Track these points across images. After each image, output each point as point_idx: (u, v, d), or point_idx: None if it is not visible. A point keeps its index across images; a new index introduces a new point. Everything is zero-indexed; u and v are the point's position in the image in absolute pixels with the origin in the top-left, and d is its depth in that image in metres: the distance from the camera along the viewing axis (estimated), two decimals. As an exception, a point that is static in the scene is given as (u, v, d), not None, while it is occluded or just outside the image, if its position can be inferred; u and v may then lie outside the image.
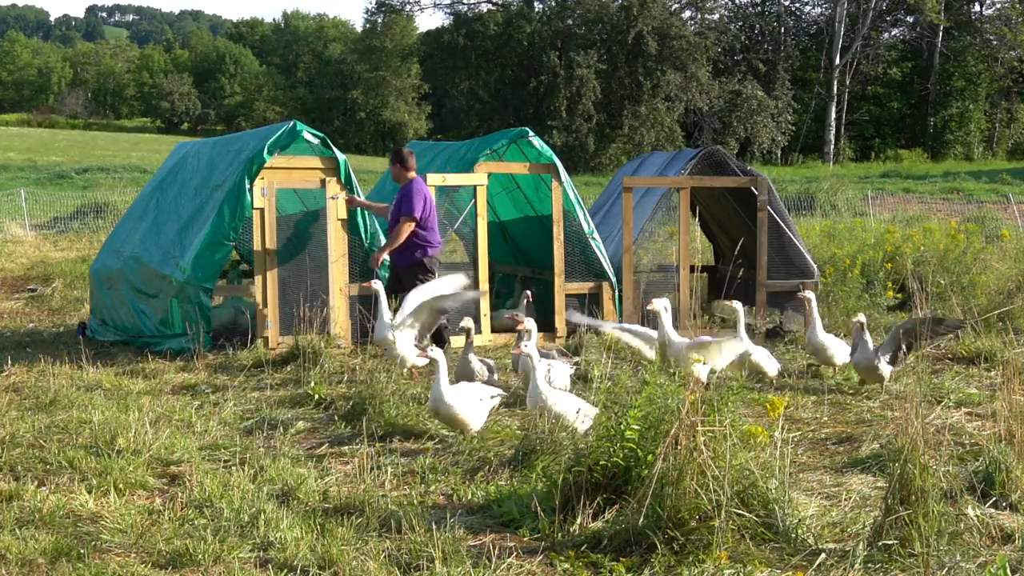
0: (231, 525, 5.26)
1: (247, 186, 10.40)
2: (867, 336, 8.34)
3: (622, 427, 5.33)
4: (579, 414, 6.51)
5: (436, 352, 6.94)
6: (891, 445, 6.38)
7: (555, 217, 11.26)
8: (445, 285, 9.38)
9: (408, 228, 9.93)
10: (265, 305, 10.51)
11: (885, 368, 8.27)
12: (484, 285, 11.00)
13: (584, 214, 11.54)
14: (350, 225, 10.81)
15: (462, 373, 7.98)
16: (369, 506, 5.47)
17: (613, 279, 11.45)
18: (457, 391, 6.95)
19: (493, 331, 11.16)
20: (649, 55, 53.26)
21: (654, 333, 8.59)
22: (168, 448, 6.62)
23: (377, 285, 9.20)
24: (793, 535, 4.99)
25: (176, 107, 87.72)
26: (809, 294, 9.35)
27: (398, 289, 9.85)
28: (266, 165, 10.47)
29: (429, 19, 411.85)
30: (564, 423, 6.36)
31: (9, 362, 9.56)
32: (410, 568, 4.75)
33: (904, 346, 8.26)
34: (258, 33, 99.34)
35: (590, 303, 11.38)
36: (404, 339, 8.91)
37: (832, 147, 57.89)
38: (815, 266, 11.60)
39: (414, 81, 67.99)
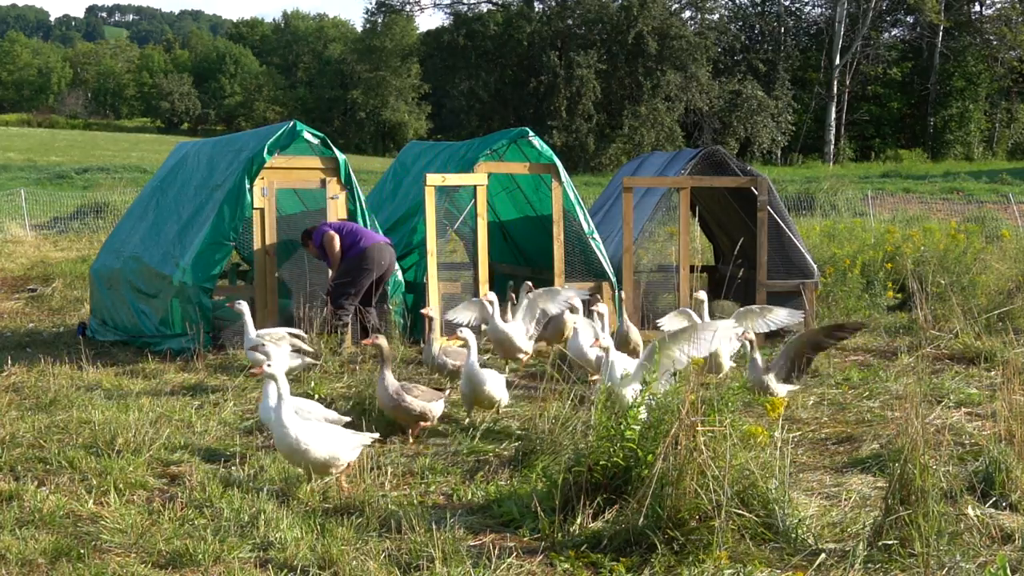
0: (231, 525, 5.26)
1: (247, 186, 10.40)
2: (756, 353, 7.56)
3: (622, 427, 5.33)
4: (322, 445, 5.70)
5: (272, 371, 5.99)
6: (891, 445, 6.38)
7: (555, 217, 11.25)
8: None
9: (332, 242, 10.31)
10: (265, 305, 10.51)
11: (778, 387, 7.41)
12: (484, 285, 10.99)
13: (584, 214, 11.54)
14: (350, 225, 10.81)
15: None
16: (369, 506, 5.47)
17: (613, 279, 11.44)
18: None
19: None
20: (649, 55, 53.27)
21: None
22: (168, 448, 6.63)
23: (241, 306, 9.01)
24: (793, 535, 4.99)
25: (176, 107, 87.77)
26: (602, 308, 8.67)
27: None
28: (266, 165, 10.47)
29: (429, 19, 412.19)
30: (310, 457, 5.68)
31: (9, 362, 9.56)
32: (410, 568, 4.75)
33: (802, 360, 7.51)
34: (258, 33, 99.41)
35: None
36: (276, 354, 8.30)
37: (832, 147, 57.91)
38: (815, 266, 11.59)
39: (414, 81, 68.04)
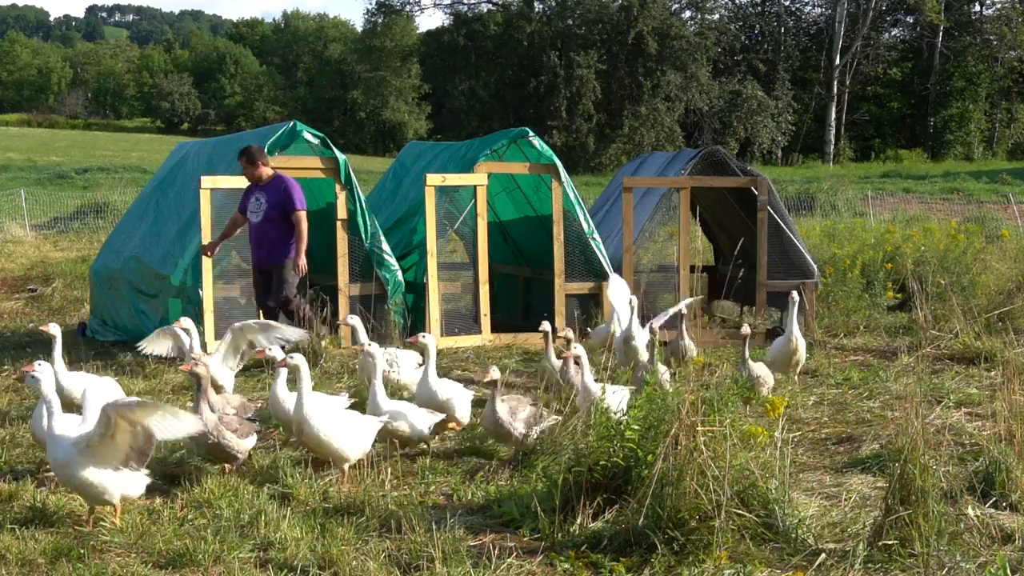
0: (231, 525, 5.26)
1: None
2: (497, 395, 6.37)
3: (622, 427, 5.33)
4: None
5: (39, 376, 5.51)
6: (891, 445, 6.36)
7: (555, 217, 11.26)
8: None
9: (305, 221, 9.70)
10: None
11: (519, 428, 6.36)
12: (484, 286, 11.00)
13: (584, 214, 11.54)
14: (350, 225, 10.80)
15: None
16: (369, 506, 5.47)
17: (613, 279, 11.43)
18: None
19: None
20: (649, 55, 53.28)
21: None
22: (168, 448, 6.62)
23: (54, 329, 7.31)
24: (793, 535, 4.99)
25: (176, 107, 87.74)
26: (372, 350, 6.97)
27: (267, 291, 9.72)
28: (266, 165, 10.45)
29: (429, 19, 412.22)
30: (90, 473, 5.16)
31: (9, 362, 9.55)
32: (410, 568, 4.75)
33: None
34: (258, 33, 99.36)
35: (590, 303, 11.37)
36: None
37: (832, 147, 57.93)
38: (815, 266, 11.60)
39: (414, 81, 68.01)
